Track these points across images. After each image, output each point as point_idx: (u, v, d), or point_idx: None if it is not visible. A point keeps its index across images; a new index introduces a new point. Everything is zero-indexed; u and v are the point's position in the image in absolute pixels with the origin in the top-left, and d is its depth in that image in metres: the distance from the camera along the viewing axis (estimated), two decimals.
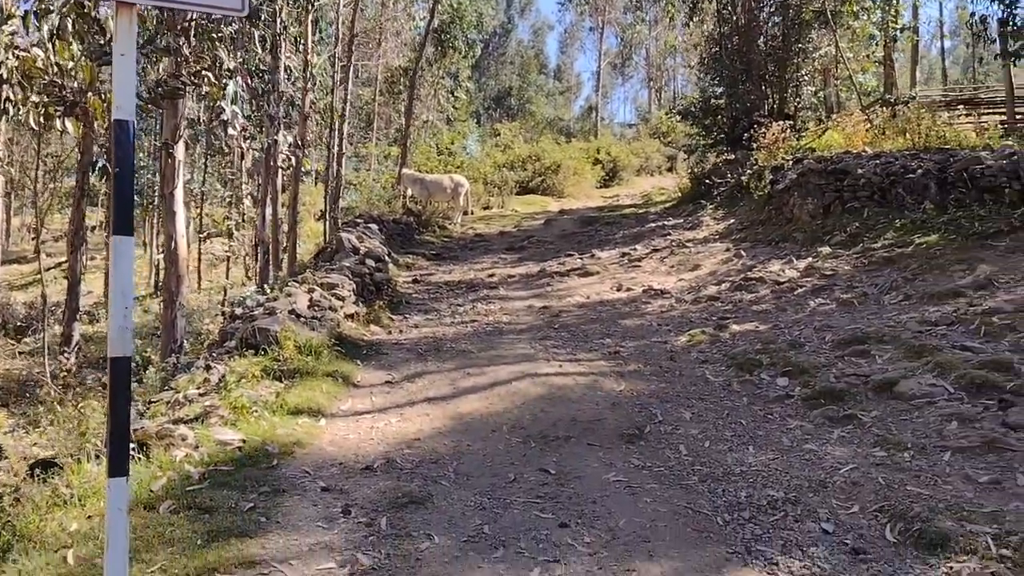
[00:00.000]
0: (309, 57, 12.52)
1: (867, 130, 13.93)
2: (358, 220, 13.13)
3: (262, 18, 9.69)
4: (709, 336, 7.70)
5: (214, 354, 6.69)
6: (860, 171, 11.38)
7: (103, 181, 8.80)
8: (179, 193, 7.19)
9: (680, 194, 18.77)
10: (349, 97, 16.93)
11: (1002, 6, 14.41)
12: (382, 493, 4.27)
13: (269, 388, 5.70)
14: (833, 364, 6.33)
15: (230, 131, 8.43)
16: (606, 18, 52.57)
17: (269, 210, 11.74)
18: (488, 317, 9.31)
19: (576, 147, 34.97)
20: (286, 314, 6.70)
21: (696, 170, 18.73)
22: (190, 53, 6.68)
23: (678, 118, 21.72)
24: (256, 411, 5.18)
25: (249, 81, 9.05)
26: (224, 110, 8.11)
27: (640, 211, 18.97)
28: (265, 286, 8.78)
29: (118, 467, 2.32)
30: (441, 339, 8.06)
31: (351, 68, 16.75)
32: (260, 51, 9.13)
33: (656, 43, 51.96)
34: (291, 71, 11.87)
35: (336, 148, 16.34)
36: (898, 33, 17.16)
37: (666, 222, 15.59)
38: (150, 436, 4.83)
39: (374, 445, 5.11)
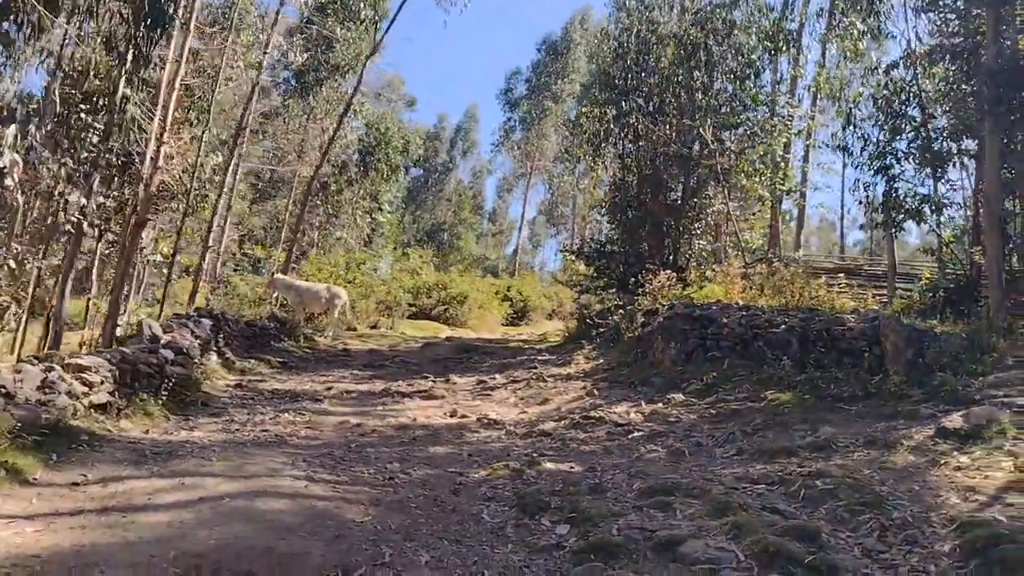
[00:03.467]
0: (165, 135, 11.63)
1: (745, 286, 13.63)
2: (192, 314, 11.93)
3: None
4: (512, 472, 6.65)
5: None
6: (725, 320, 10.89)
7: None
8: None
9: (568, 334, 18.13)
10: (227, 191, 16.09)
11: (884, 178, 14.76)
12: None
13: None
14: (626, 514, 5.34)
15: (7, 182, 7.42)
16: (535, 164, 54.03)
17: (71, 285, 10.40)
18: (284, 429, 8.10)
19: (487, 282, 34.63)
20: None
21: (584, 311, 18.19)
22: None
23: (573, 257, 21.47)
24: None
25: (46, 130, 8.09)
26: (3, 154, 7.13)
27: (525, 346, 18.20)
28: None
29: None
30: (197, 445, 6.78)
31: (232, 161, 16.01)
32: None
33: (583, 195, 53.29)
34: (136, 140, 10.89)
35: (203, 243, 15.31)
36: (784, 195, 17.44)
37: (540, 357, 14.76)
38: None
39: None
